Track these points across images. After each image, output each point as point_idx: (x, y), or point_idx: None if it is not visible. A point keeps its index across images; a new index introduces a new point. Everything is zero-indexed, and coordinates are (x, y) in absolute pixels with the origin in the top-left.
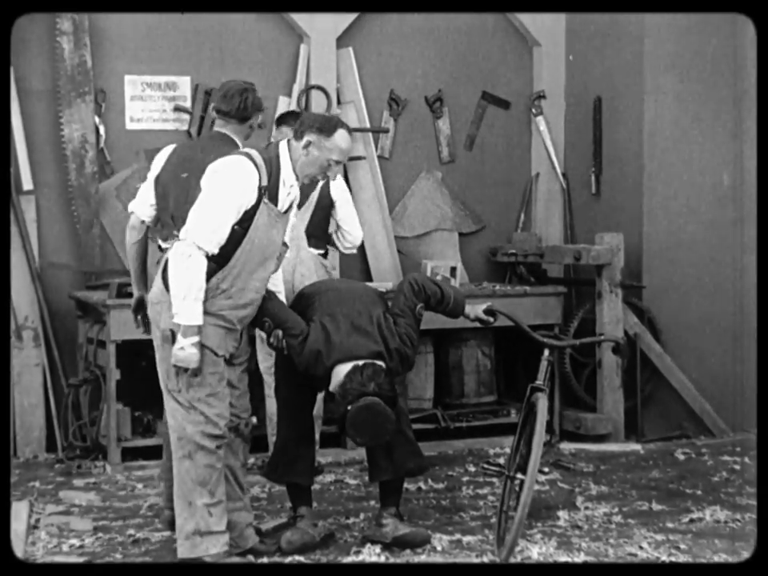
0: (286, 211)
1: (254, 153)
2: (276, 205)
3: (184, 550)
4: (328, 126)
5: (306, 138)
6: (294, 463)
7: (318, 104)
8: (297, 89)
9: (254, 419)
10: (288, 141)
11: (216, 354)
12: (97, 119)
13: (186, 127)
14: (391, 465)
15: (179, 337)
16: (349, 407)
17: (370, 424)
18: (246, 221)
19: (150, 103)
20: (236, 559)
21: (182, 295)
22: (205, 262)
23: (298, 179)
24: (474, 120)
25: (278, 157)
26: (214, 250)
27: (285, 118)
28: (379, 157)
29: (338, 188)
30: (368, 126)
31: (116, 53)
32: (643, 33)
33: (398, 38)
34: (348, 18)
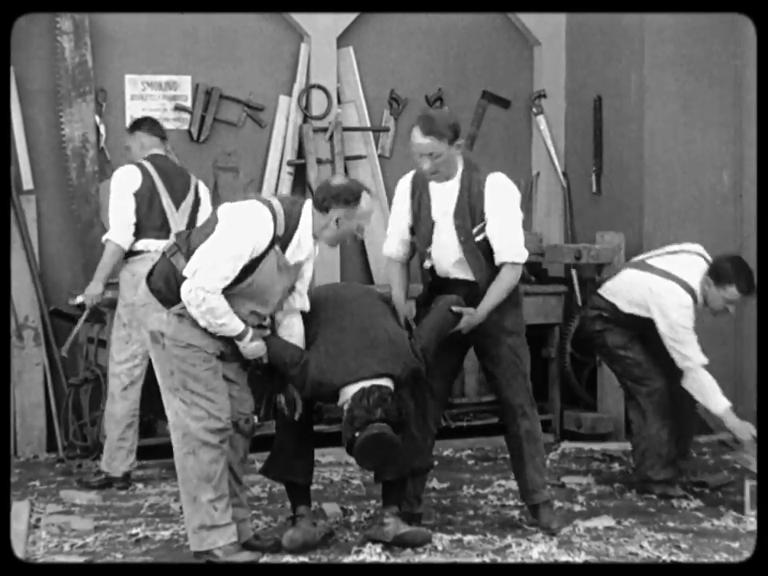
0: (298, 263)
1: (276, 202)
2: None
3: (194, 544)
4: (353, 196)
5: (333, 214)
6: (293, 462)
7: (318, 103)
8: (297, 88)
9: (255, 418)
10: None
11: (206, 352)
12: (97, 119)
13: (186, 127)
14: (396, 464)
15: (240, 344)
16: (356, 434)
17: (377, 453)
18: (252, 262)
19: (151, 102)
20: (246, 554)
21: (217, 324)
22: (219, 293)
23: (315, 242)
24: (475, 119)
25: (299, 214)
26: (222, 287)
27: (139, 124)
28: (380, 156)
29: None
30: (368, 125)
31: (116, 52)
32: (643, 32)
33: (398, 37)
34: (348, 18)
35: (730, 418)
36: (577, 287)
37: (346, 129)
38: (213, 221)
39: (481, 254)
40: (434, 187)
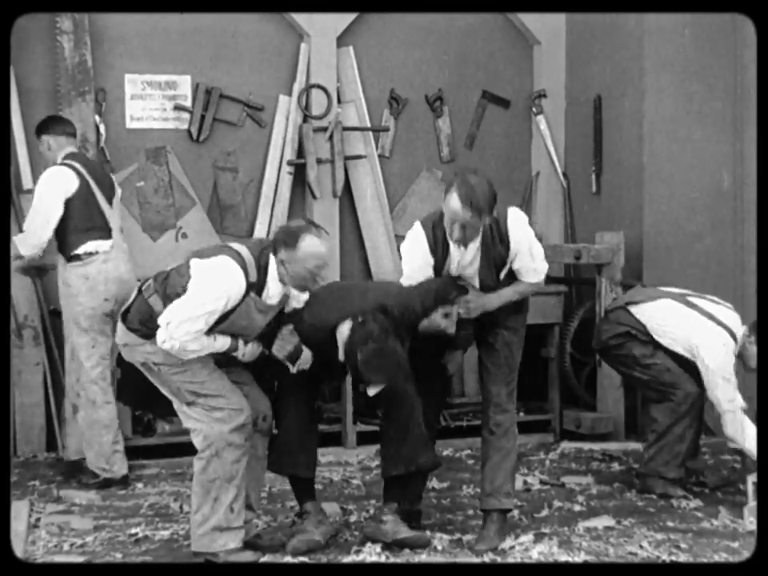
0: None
1: (245, 252)
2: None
3: (200, 546)
4: (292, 238)
5: (278, 256)
6: (297, 455)
7: (318, 103)
8: (297, 88)
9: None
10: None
11: (201, 361)
12: (97, 118)
13: (186, 126)
14: (402, 459)
15: (236, 353)
16: (359, 355)
17: (382, 365)
18: (228, 311)
19: (151, 102)
20: (247, 554)
21: (204, 352)
22: (193, 338)
23: (285, 285)
24: (475, 119)
25: (267, 260)
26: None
27: (42, 127)
28: (380, 156)
29: None
30: (368, 124)
31: (116, 52)
32: (643, 32)
33: (398, 37)
34: (348, 18)
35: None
36: (602, 299)
37: (345, 128)
38: (186, 273)
39: (501, 287)
40: (454, 247)
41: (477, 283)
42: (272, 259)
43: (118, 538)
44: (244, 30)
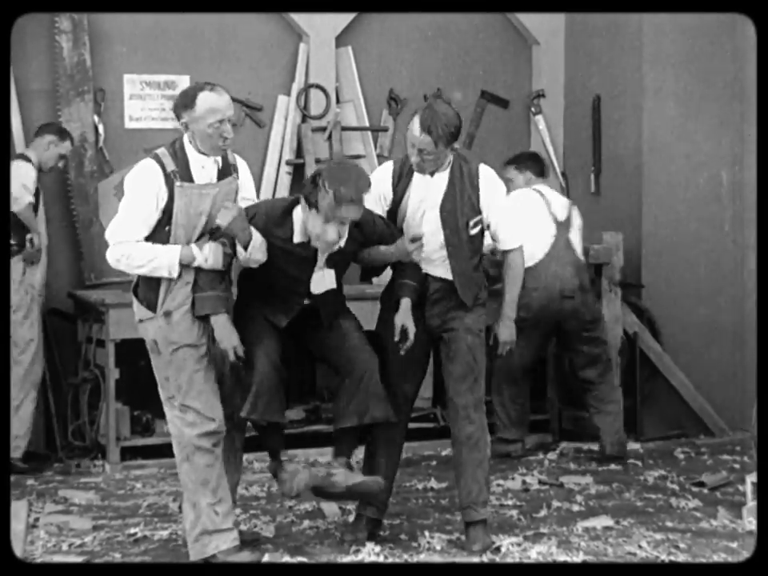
0: (221, 179)
1: (159, 150)
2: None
3: (195, 553)
4: (187, 98)
5: (182, 122)
6: (273, 402)
7: (317, 103)
8: (296, 88)
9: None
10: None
11: (196, 348)
12: (96, 118)
13: None
14: (356, 410)
15: (196, 262)
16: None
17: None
18: (166, 208)
19: (149, 102)
20: (245, 554)
21: (155, 267)
22: (136, 239)
23: (209, 155)
24: (474, 119)
25: (182, 146)
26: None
27: (43, 129)
28: (378, 156)
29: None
30: (367, 124)
31: (115, 52)
32: (643, 32)
33: (397, 36)
34: (347, 18)
35: None
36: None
37: (344, 128)
38: None
39: (467, 248)
40: (419, 177)
41: (440, 226)
42: (185, 140)
43: (117, 538)
44: (243, 30)
